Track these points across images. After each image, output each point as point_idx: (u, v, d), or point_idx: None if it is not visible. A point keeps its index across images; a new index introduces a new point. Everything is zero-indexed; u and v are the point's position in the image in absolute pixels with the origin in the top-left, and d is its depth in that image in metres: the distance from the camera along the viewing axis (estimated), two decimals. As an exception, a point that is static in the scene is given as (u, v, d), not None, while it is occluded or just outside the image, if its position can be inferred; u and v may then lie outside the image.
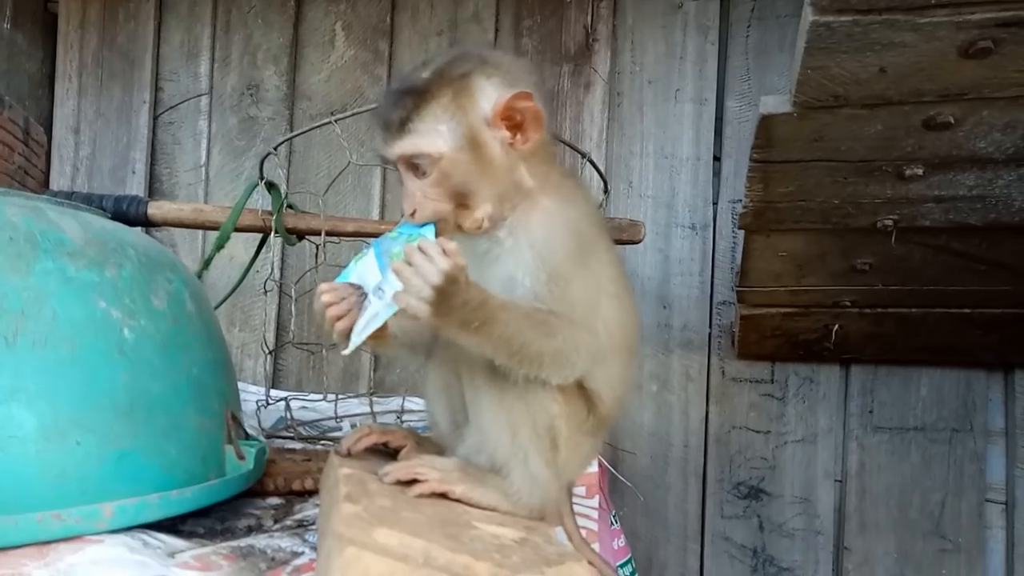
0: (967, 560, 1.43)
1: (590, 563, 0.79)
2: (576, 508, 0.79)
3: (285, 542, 0.71)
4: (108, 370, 0.71)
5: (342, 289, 0.64)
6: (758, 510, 1.51)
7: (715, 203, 1.55)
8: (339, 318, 0.63)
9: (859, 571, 1.47)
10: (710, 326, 1.54)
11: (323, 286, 0.64)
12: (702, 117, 1.57)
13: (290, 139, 1.38)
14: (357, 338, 0.62)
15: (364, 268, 0.65)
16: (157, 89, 1.71)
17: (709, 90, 1.56)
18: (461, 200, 0.64)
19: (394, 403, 1.38)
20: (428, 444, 0.74)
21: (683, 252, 1.56)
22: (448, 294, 0.56)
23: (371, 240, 0.71)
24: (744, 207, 1.03)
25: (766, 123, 0.85)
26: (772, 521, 1.50)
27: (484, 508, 0.64)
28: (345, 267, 0.67)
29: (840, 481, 1.49)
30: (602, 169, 1.43)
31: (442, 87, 0.63)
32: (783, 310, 1.31)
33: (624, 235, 1.29)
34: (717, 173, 1.56)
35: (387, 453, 0.73)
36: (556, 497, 0.67)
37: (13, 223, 0.71)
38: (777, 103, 0.83)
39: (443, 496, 0.64)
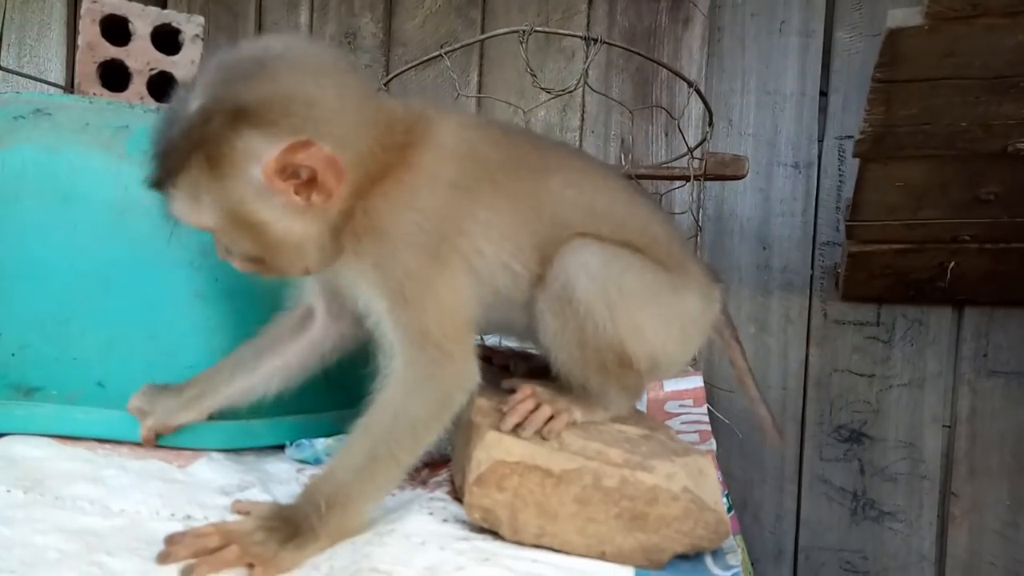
0: (1087, 510, 1.37)
1: (753, 396, 0.80)
2: (687, 416, 0.80)
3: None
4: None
5: None
6: (859, 454, 1.48)
7: (820, 140, 1.50)
8: None
9: (967, 517, 1.43)
10: (812, 267, 1.50)
11: None
12: (809, 50, 1.50)
13: (401, 73, 1.38)
14: None
15: None
16: (261, 41, 1.78)
17: (817, 21, 1.49)
18: (264, 267, 0.54)
19: (490, 340, 1.42)
20: (535, 358, 0.73)
21: (785, 191, 1.52)
22: (272, 533, 0.46)
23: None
24: (861, 132, 0.99)
25: (893, 38, 0.81)
26: (874, 465, 1.47)
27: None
28: None
29: (949, 426, 1.44)
30: (701, 106, 1.40)
31: (194, 152, 0.49)
32: (895, 246, 1.27)
33: (727, 170, 1.27)
34: (823, 109, 1.50)
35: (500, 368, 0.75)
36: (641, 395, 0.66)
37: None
38: (906, 16, 0.80)
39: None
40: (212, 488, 0.50)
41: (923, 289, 1.36)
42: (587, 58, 1.06)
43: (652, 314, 0.59)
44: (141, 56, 0.75)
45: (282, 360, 0.62)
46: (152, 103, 0.75)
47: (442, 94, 1.53)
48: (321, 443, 0.62)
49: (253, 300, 0.66)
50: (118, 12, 0.74)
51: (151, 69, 0.75)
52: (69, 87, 1.63)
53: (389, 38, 1.73)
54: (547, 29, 1.07)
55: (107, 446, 0.57)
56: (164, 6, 1.81)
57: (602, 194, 0.62)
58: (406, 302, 0.53)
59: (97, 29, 0.73)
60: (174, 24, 0.76)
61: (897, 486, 1.46)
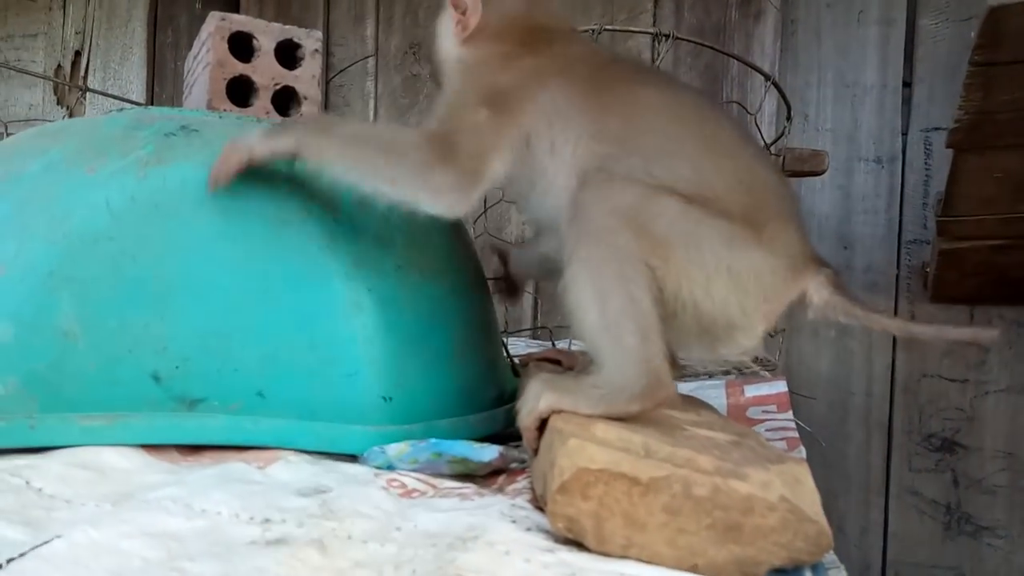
0: None
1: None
2: (772, 423, 0.76)
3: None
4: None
5: None
6: (952, 464, 1.39)
7: (904, 133, 1.43)
8: None
9: (1077, 534, 1.32)
10: (898, 267, 1.42)
11: None
12: (889, 40, 1.43)
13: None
14: None
15: None
16: (328, 55, 1.81)
17: (898, 9, 1.42)
18: None
19: (560, 346, 1.40)
20: None
21: (867, 188, 1.45)
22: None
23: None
24: (956, 121, 0.93)
25: (994, 17, 0.76)
26: (969, 476, 1.38)
27: (582, 414, 0.54)
28: None
29: (1054, 436, 1.34)
30: (777, 100, 1.35)
31: None
32: (992, 242, 1.19)
33: (806, 166, 1.21)
34: (907, 100, 1.43)
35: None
36: (665, 369, 0.54)
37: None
38: (1009, -8, 0.75)
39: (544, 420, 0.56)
40: (289, 490, 0.50)
41: (1021, 288, 1.27)
42: (658, 55, 1.04)
43: (690, 257, 0.54)
44: (266, 72, 0.77)
45: None
46: (277, 117, 0.77)
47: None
48: (393, 449, 0.61)
49: (405, 309, 0.66)
50: (244, 29, 0.76)
51: (275, 84, 0.77)
52: (149, 105, 1.70)
53: (453, 46, 1.74)
54: (617, 27, 1.04)
55: (190, 457, 0.57)
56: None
57: (690, 126, 0.59)
58: (464, 95, 0.60)
59: (226, 47, 0.74)
60: (295, 39, 0.78)
61: (996, 499, 1.36)
